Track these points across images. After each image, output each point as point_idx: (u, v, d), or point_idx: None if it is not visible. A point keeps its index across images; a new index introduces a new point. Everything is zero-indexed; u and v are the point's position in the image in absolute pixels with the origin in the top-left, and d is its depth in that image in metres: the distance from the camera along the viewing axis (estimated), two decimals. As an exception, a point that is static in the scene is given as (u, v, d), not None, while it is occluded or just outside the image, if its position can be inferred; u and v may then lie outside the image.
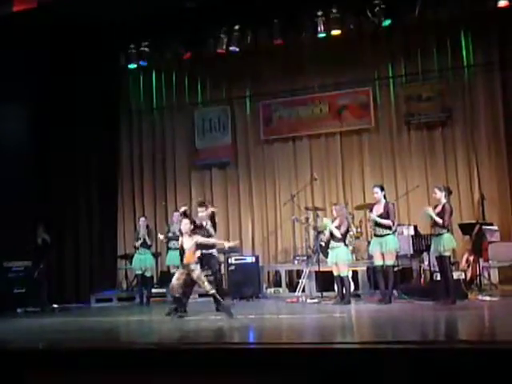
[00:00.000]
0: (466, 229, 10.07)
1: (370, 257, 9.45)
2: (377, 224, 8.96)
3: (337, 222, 9.25)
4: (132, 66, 12.27)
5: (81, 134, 12.37)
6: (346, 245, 9.29)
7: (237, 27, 11.40)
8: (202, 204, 9.35)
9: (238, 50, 11.60)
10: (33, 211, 11.41)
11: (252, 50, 11.88)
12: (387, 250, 8.85)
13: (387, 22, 10.79)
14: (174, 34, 11.72)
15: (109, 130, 12.88)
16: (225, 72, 12.87)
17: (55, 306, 10.92)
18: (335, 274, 9.25)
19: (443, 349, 5.08)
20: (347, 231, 9.37)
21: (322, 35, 11.11)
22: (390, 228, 8.91)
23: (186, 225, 8.25)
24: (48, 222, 11.52)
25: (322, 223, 9.95)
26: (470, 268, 9.51)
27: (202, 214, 8.90)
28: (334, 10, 10.84)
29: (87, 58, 11.78)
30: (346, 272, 9.13)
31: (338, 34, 11.14)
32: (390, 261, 8.87)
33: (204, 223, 8.98)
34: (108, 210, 12.75)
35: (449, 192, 8.86)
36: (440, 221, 8.45)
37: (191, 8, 10.59)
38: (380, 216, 8.91)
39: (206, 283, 8.11)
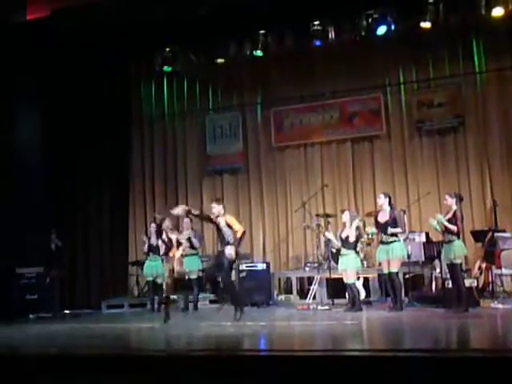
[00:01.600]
0: (478, 236, 10.01)
1: (380, 264, 9.40)
2: (383, 230, 8.91)
3: (348, 229, 9.20)
4: (143, 73, 12.32)
5: (93, 142, 12.46)
6: (356, 252, 9.25)
7: (248, 34, 11.45)
8: (218, 200, 9.15)
9: (261, 54, 11.59)
10: (45, 218, 11.47)
11: (263, 56, 11.91)
12: (393, 256, 8.79)
13: (383, 30, 10.80)
14: (186, 41, 11.77)
15: (120, 137, 12.95)
16: (236, 79, 12.91)
17: (67, 311, 10.96)
18: (345, 280, 9.21)
19: (455, 357, 5.04)
20: (358, 237, 9.31)
21: (332, 41, 11.12)
22: (396, 235, 8.87)
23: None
24: (60, 228, 11.57)
25: (330, 236, 9.82)
26: (483, 275, 9.44)
27: (214, 209, 8.78)
28: (346, 17, 10.83)
29: (99, 65, 11.87)
30: (353, 279, 9.08)
31: (349, 40, 11.13)
32: (395, 268, 8.81)
33: (219, 220, 8.60)
34: (119, 216, 12.80)
35: (460, 199, 8.79)
36: (453, 227, 8.39)
37: (203, 15, 10.65)
38: (386, 223, 8.86)
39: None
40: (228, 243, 8.39)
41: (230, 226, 8.46)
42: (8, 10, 10.39)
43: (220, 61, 11.93)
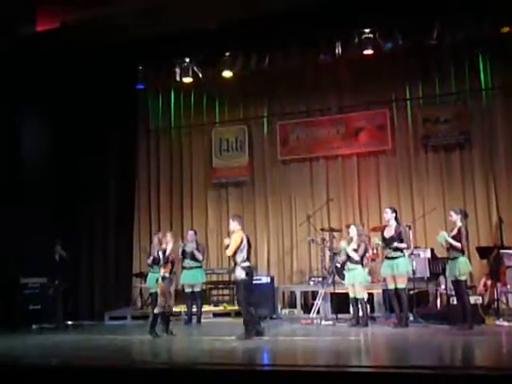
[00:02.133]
0: (483, 253, 9.96)
1: (385, 279, 9.35)
2: (388, 245, 8.87)
3: (354, 244, 9.16)
4: (150, 86, 12.38)
5: (99, 153, 12.49)
6: (363, 266, 9.20)
7: (255, 48, 11.51)
8: (234, 216, 9.02)
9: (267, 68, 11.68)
10: (50, 228, 11.49)
11: (270, 70, 11.96)
12: (398, 272, 8.76)
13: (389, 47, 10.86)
14: (193, 54, 11.84)
15: (127, 149, 12.98)
16: (242, 92, 12.97)
17: (70, 322, 10.94)
18: (351, 295, 9.15)
19: (459, 375, 5.00)
20: (365, 253, 9.28)
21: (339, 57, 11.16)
22: (401, 250, 8.84)
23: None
24: (65, 239, 11.58)
25: (338, 245, 9.84)
26: (488, 292, 9.39)
27: (230, 227, 8.71)
28: (352, 33, 10.88)
29: (106, 77, 11.95)
30: (363, 294, 9.03)
31: (356, 56, 11.18)
32: (402, 284, 8.77)
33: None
34: (124, 228, 12.80)
35: (465, 215, 8.75)
36: (459, 245, 8.35)
37: (210, 29, 10.71)
38: (392, 238, 8.83)
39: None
40: (235, 263, 8.37)
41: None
42: (18, 22, 10.49)
43: (227, 74, 11.97)
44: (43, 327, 10.43)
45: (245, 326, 8.15)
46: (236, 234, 8.44)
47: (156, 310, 8.59)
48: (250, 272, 8.35)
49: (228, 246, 8.40)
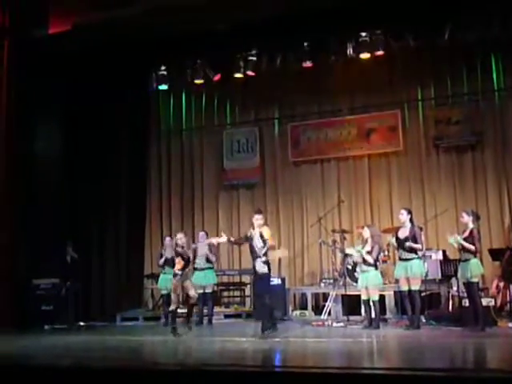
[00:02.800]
0: (496, 254, 9.90)
1: (397, 281, 9.31)
2: (402, 247, 8.83)
3: (368, 247, 9.09)
4: (161, 88, 12.42)
5: (110, 155, 12.56)
6: (376, 268, 9.15)
7: (266, 49, 11.52)
8: (259, 211, 9.13)
9: (254, 74, 11.71)
10: (62, 230, 11.55)
11: (281, 72, 11.96)
12: (413, 274, 8.70)
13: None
14: (204, 56, 11.87)
15: (138, 151, 13.06)
16: (254, 94, 12.97)
17: (81, 323, 10.99)
18: (364, 297, 9.11)
19: (471, 377, 4.97)
20: (379, 254, 9.24)
21: (351, 58, 11.14)
22: (415, 252, 8.79)
23: (182, 239, 8.85)
24: (76, 240, 11.64)
25: (350, 251, 9.76)
26: (500, 294, 9.33)
27: (259, 221, 8.71)
28: (364, 34, 10.86)
29: (117, 80, 12.01)
30: (376, 296, 9.00)
31: (367, 57, 11.16)
32: (416, 286, 8.72)
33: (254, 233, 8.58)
34: (136, 229, 12.86)
35: (477, 217, 8.70)
36: (471, 247, 8.30)
37: (221, 31, 10.74)
38: (406, 239, 8.79)
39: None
40: (258, 256, 8.40)
41: (262, 237, 8.49)
42: (31, 24, 10.57)
43: (238, 76, 11.98)
44: (55, 328, 10.48)
45: (262, 322, 8.28)
46: (266, 228, 8.65)
47: (171, 307, 8.61)
48: (269, 266, 8.48)
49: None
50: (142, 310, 12.16)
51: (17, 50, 10.63)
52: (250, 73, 11.71)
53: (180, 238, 8.93)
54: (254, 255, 8.43)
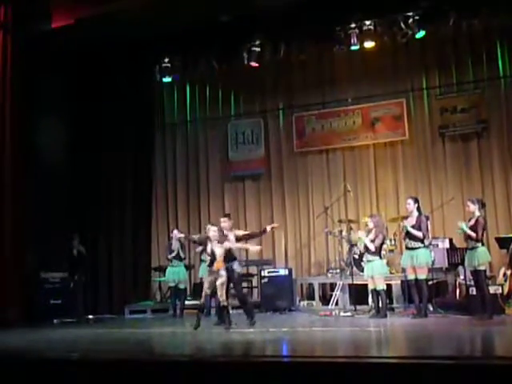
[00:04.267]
0: (502, 242, 9.88)
1: (404, 270, 9.32)
2: (408, 236, 8.84)
3: (372, 235, 9.13)
4: (166, 80, 12.41)
5: (116, 147, 12.58)
6: (381, 257, 9.18)
7: (270, 40, 11.49)
8: (226, 215, 9.39)
9: (257, 64, 11.66)
10: (68, 223, 11.60)
11: (285, 62, 11.93)
12: (419, 263, 8.73)
13: (421, 34, 10.75)
14: (208, 47, 11.85)
15: (143, 143, 13.06)
16: (258, 85, 12.96)
17: (90, 316, 11.05)
18: (371, 287, 9.16)
19: (479, 364, 4.98)
20: (382, 244, 9.26)
21: (355, 47, 11.10)
22: (421, 241, 8.79)
23: (214, 232, 8.43)
24: (83, 234, 11.69)
25: (355, 237, 9.87)
26: (508, 282, 9.30)
27: (225, 224, 8.92)
28: (368, 22, 10.81)
29: (122, 72, 12.01)
30: (382, 285, 9.02)
31: (372, 46, 11.11)
32: (423, 274, 8.75)
33: (228, 234, 8.76)
34: (142, 221, 12.89)
35: (482, 205, 8.70)
36: (474, 234, 8.31)
37: (224, 22, 10.71)
38: (412, 228, 8.80)
39: (223, 293, 8.23)
40: (235, 258, 8.66)
41: (239, 238, 8.74)
42: (33, 18, 10.57)
43: (242, 67, 11.95)
44: (64, 321, 10.54)
45: (247, 312, 8.63)
46: (236, 230, 9.07)
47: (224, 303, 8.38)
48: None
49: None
50: (150, 302, 12.21)
51: (20, 44, 10.62)
52: (253, 64, 11.67)
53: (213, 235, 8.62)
54: (233, 257, 8.61)
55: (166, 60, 12.10)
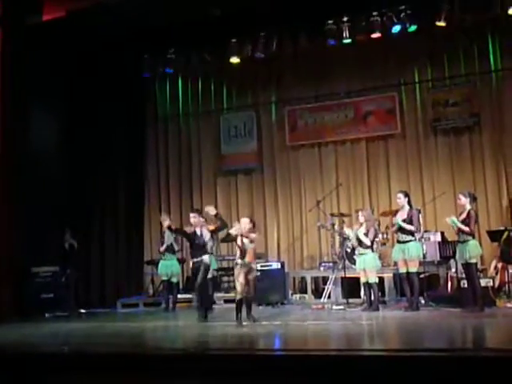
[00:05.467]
0: (494, 235, 9.94)
1: (396, 263, 9.36)
2: (400, 229, 8.88)
3: (364, 229, 9.17)
4: (159, 72, 12.36)
5: (108, 142, 12.54)
6: (373, 251, 9.22)
7: (262, 33, 11.46)
8: (194, 210, 9.35)
9: (262, 55, 11.63)
10: (60, 217, 11.55)
11: (277, 56, 11.91)
12: (410, 256, 8.76)
13: (413, 28, 10.77)
14: (200, 40, 11.80)
15: (135, 136, 13.04)
16: (250, 78, 12.94)
17: (82, 310, 11.03)
18: (363, 280, 9.19)
19: (470, 357, 5.01)
20: (375, 237, 9.30)
21: (347, 41, 11.09)
22: (412, 234, 8.83)
23: (246, 224, 8.33)
24: (75, 227, 11.65)
25: (348, 232, 9.89)
26: (499, 275, 9.37)
27: (194, 219, 8.91)
28: (360, 16, 10.80)
29: (114, 66, 11.94)
30: (374, 278, 9.06)
31: (364, 39, 11.10)
32: (414, 268, 8.79)
33: (198, 230, 8.83)
34: (134, 215, 12.88)
35: (474, 198, 8.75)
36: (465, 228, 8.35)
37: (216, 15, 10.67)
38: (403, 222, 8.84)
39: (251, 286, 8.17)
40: (206, 252, 8.76)
41: (213, 231, 8.81)
42: (25, 10, 10.48)
43: (234, 60, 11.94)
44: (56, 316, 10.51)
45: (203, 308, 8.63)
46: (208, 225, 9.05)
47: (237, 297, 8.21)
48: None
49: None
50: (143, 296, 12.20)
51: (11, 37, 10.54)
52: (245, 57, 11.64)
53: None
54: (204, 250, 8.74)
55: (159, 53, 12.04)
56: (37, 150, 11.25)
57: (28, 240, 10.65)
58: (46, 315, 10.50)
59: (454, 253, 9.05)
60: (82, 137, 12.29)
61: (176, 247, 10.91)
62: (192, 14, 10.64)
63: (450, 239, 10.13)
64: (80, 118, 12.28)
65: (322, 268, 11.30)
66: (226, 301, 10.94)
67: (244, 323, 8.00)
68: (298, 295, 11.23)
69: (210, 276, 10.13)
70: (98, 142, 12.43)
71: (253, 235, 8.31)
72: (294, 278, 11.76)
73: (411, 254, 8.77)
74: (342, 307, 9.52)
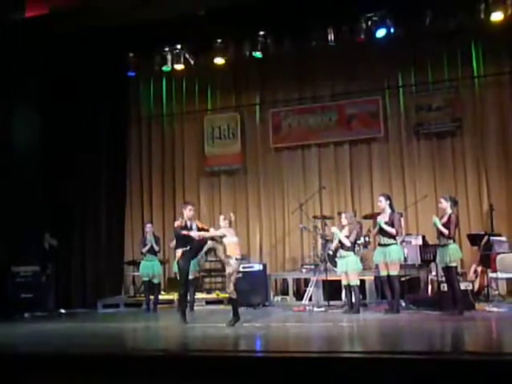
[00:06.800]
0: (474, 239, 10.03)
1: (377, 266, 9.40)
2: (381, 231, 8.91)
3: (346, 231, 9.21)
4: (142, 73, 12.31)
5: (91, 141, 12.46)
6: (355, 253, 9.26)
7: (247, 35, 11.46)
8: (191, 203, 9.25)
9: (260, 55, 11.62)
10: (40, 216, 11.45)
11: (262, 58, 11.91)
12: (391, 260, 8.80)
13: (383, 33, 10.85)
14: (184, 41, 11.78)
15: (118, 137, 12.96)
16: (235, 79, 12.93)
17: (62, 311, 10.95)
18: (344, 282, 9.22)
19: (449, 360, 5.05)
20: (356, 239, 9.34)
21: (331, 44, 11.13)
22: (394, 238, 8.88)
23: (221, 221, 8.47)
24: (55, 227, 11.55)
25: (330, 233, 9.95)
26: (478, 279, 9.46)
27: (191, 212, 8.84)
28: (344, 20, 10.85)
29: (97, 65, 11.87)
30: (356, 281, 9.09)
31: (348, 43, 11.15)
32: (395, 271, 8.82)
33: (189, 223, 8.77)
34: (116, 215, 12.81)
35: (455, 202, 8.82)
36: (445, 231, 8.42)
37: (201, 16, 10.65)
38: (385, 224, 8.88)
39: (231, 284, 8.05)
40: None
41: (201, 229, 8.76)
42: (7, 7, 10.37)
43: (219, 61, 11.92)
44: (35, 316, 10.42)
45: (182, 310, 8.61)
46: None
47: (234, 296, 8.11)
48: None
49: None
50: (123, 296, 12.13)
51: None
52: (230, 59, 11.63)
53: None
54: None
55: (143, 53, 11.99)
56: (18, 150, 11.15)
57: (8, 239, 10.55)
58: (26, 315, 10.41)
59: (435, 256, 9.11)
60: (64, 136, 12.20)
61: (157, 248, 10.86)
62: (176, 14, 10.59)
63: (431, 243, 10.19)
64: (62, 116, 12.18)
65: (303, 270, 11.33)
66: (208, 302, 10.93)
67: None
68: (279, 297, 11.26)
69: (191, 277, 10.13)
70: (80, 142, 12.35)
71: (216, 232, 8.43)
72: (276, 280, 11.78)
73: (392, 257, 8.80)
74: (323, 309, 9.56)
